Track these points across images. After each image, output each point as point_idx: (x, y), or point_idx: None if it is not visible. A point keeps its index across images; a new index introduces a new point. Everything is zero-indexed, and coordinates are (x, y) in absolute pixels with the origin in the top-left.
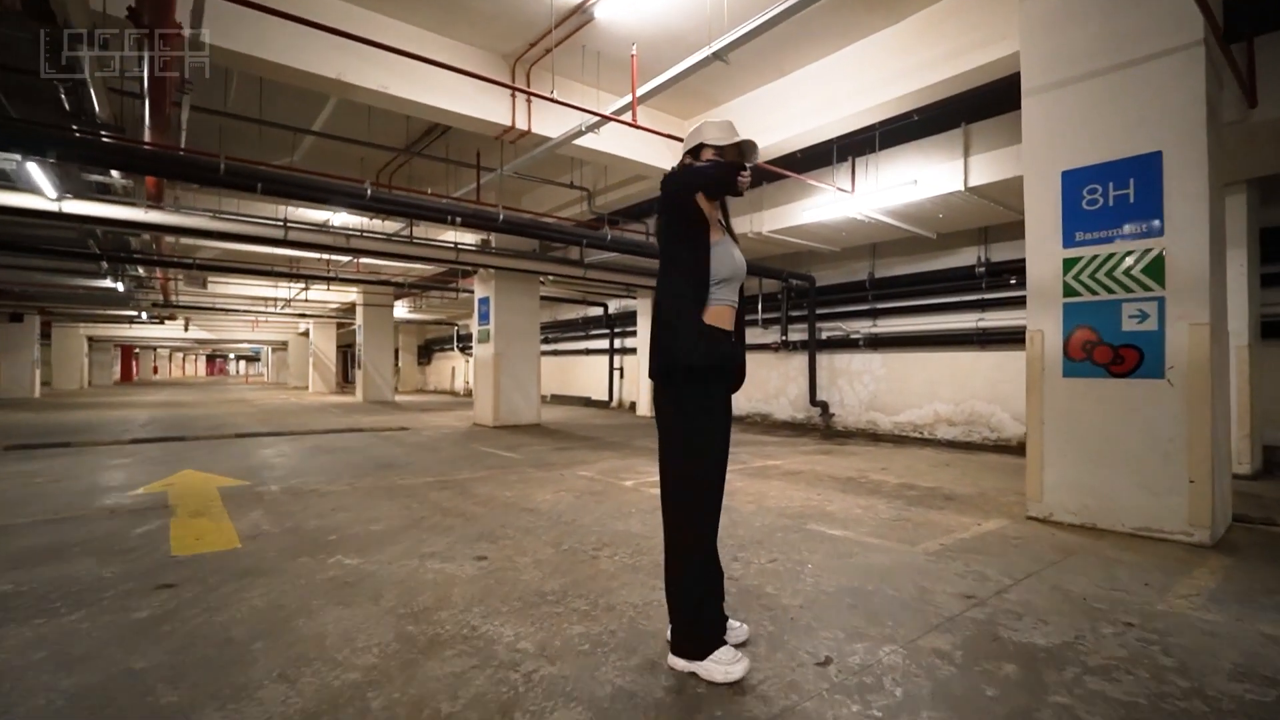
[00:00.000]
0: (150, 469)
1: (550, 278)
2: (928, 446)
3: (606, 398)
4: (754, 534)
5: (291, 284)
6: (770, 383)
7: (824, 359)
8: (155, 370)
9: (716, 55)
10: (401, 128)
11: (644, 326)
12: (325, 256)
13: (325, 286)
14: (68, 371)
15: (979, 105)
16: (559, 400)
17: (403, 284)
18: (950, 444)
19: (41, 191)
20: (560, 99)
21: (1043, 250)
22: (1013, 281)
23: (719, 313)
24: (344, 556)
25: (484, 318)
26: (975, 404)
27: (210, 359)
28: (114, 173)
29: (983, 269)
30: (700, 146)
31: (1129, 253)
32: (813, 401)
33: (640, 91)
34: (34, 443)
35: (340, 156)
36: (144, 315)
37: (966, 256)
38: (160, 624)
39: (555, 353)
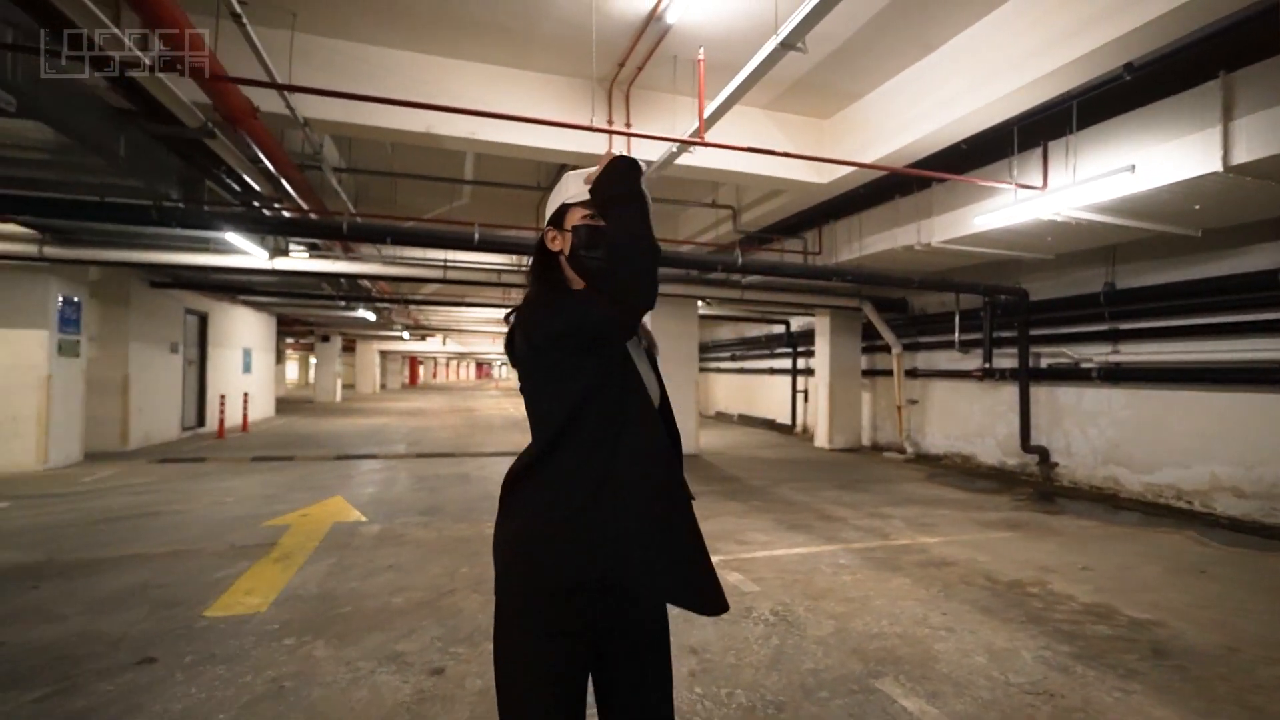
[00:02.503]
0: (315, 493)
1: (709, 300)
2: (1194, 524)
3: (789, 421)
4: (790, 687)
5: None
6: (972, 419)
7: (1042, 393)
8: (435, 375)
9: (785, 44)
10: (533, 166)
11: (821, 348)
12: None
13: None
14: (365, 378)
15: (1241, 42)
16: (746, 421)
17: None
18: (1235, 524)
19: (248, 253)
20: (626, 130)
21: None
22: None
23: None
24: (320, 646)
25: None
26: None
27: (479, 365)
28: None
29: None
30: (563, 210)
31: None
32: (1025, 446)
33: (710, 109)
34: (271, 455)
35: (501, 199)
36: (405, 334)
37: (1259, 258)
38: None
39: (741, 371)
